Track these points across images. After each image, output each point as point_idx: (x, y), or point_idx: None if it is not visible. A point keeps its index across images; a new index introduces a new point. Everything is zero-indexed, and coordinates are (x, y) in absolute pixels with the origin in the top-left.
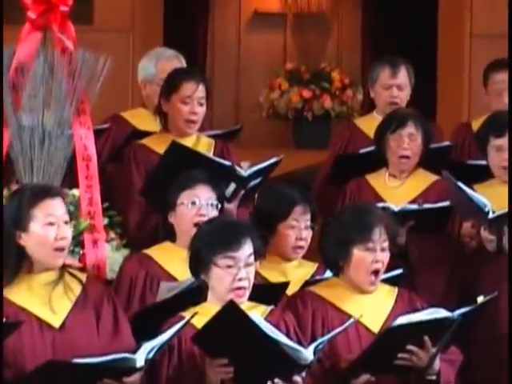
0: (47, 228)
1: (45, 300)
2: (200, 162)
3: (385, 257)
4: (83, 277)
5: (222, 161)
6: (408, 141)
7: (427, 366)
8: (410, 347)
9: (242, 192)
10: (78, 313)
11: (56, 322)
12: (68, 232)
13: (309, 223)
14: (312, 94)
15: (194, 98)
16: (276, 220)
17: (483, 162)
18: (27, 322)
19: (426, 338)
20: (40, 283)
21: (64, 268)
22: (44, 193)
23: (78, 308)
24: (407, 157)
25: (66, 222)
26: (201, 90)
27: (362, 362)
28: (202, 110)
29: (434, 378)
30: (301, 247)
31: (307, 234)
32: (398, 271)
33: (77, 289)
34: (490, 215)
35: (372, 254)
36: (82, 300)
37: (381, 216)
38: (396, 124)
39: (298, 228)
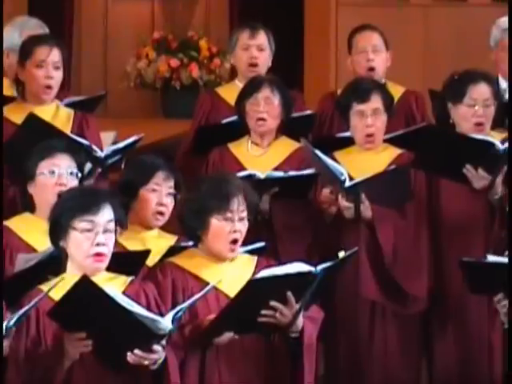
0: None
1: None
2: (57, 137)
3: (243, 226)
4: None
5: (79, 139)
6: (263, 104)
7: (290, 323)
8: (273, 303)
9: (99, 170)
10: None
11: None
12: None
13: (171, 190)
14: (180, 63)
15: (48, 62)
16: (138, 184)
17: (348, 134)
18: None
19: (289, 293)
20: None
21: None
22: None
23: None
24: (263, 119)
25: None
26: (55, 54)
27: (225, 317)
28: (58, 75)
29: (297, 335)
30: (161, 213)
31: (169, 202)
32: (260, 244)
33: None
34: (347, 183)
35: (230, 224)
36: None
37: (239, 185)
38: (252, 89)
39: (160, 193)
